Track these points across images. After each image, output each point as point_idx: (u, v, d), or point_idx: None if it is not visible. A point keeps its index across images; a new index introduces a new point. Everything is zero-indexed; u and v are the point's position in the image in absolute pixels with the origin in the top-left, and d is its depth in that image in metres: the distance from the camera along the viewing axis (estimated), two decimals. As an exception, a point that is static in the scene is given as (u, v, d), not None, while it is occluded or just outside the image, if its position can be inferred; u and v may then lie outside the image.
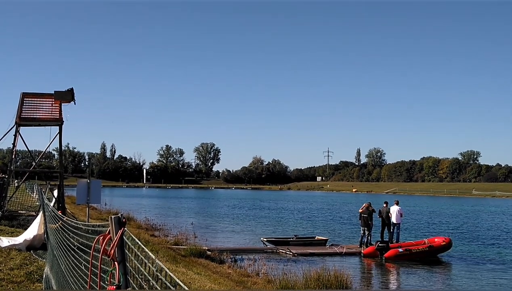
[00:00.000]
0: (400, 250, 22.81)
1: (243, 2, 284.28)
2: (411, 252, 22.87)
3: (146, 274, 3.32)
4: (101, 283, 3.84)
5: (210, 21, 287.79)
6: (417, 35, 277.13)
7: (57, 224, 7.83)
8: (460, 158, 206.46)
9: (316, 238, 27.96)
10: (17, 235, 16.18)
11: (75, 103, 23.15)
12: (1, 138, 23.48)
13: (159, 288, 3.12)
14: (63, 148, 25.00)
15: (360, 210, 25.59)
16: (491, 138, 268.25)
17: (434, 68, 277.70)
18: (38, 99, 23.52)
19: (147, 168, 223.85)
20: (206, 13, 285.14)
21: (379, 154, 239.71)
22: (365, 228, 24.99)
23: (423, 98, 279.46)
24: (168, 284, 3.05)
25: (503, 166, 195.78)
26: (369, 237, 25.03)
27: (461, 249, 26.72)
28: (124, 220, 3.61)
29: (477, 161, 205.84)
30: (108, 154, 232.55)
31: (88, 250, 4.46)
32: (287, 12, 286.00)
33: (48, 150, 26.71)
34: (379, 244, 23.20)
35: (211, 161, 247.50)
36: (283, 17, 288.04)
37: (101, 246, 3.68)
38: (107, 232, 3.70)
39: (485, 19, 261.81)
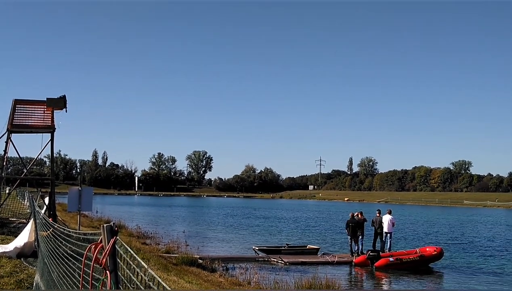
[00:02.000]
0: (391, 259, 22.85)
1: (234, 11, 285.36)
2: (402, 261, 22.90)
3: (138, 283, 3.33)
4: (92, 291, 3.85)
5: (201, 30, 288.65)
6: (407, 46, 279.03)
7: (48, 232, 7.81)
8: (451, 168, 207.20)
9: (307, 247, 27.96)
10: (8, 242, 16.09)
11: (66, 111, 23.13)
12: (-8, 145, 23.39)
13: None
14: (54, 155, 24.92)
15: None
16: (482, 148, 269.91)
17: (426, 78, 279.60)
18: (30, 106, 23.48)
19: (139, 176, 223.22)
20: (197, 21, 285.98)
21: (371, 163, 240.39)
22: (353, 237, 25.11)
23: (415, 107, 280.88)
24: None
25: (494, 175, 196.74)
26: (361, 246, 25.09)
27: (453, 259, 26.76)
28: (116, 228, 3.63)
29: (469, 170, 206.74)
30: (100, 161, 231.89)
31: (80, 258, 4.47)
32: (279, 22, 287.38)
33: (39, 156, 26.59)
34: (370, 253, 23.24)
35: (203, 169, 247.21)
36: (275, 27, 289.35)
37: (93, 254, 3.69)
38: (99, 240, 3.71)
39: (479, 29, 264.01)
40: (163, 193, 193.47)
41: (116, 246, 3.58)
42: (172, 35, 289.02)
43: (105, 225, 3.64)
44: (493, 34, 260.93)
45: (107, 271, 3.55)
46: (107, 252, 3.53)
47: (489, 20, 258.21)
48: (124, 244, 3.63)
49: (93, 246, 3.76)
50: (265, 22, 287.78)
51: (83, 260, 4.12)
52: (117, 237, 3.59)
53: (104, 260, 3.54)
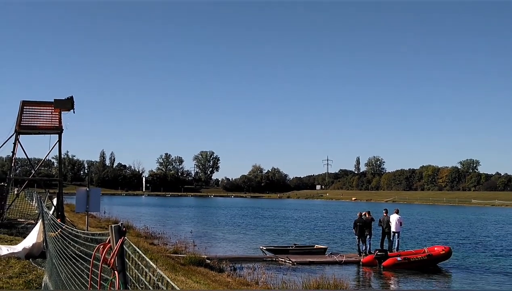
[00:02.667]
0: (398, 258, 22.78)
1: (242, 12, 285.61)
2: (410, 261, 22.82)
3: (146, 283, 3.33)
4: (101, 292, 3.85)
5: (208, 32, 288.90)
6: (415, 45, 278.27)
7: (56, 232, 7.83)
8: (459, 167, 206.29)
9: (315, 247, 27.92)
10: (16, 243, 16.16)
11: (74, 112, 23.22)
12: (0, 146, 23.51)
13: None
14: (62, 156, 25.01)
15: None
16: (490, 147, 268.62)
17: (433, 77, 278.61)
18: (38, 108, 23.58)
19: (146, 176, 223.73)
20: (203, 22, 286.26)
21: (378, 162, 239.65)
22: (361, 237, 25.06)
23: (422, 107, 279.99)
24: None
25: (502, 174, 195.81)
26: (369, 246, 25.02)
27: (462, 258, 26.61)
28: (124, 229, 3.62)
29: (477, 169, 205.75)
30: (107, 162, 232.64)
31: (88, 259, 4.47)
32: (286, 22, 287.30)
33: (47, 158, 26.74)
34: (378, 253, 23.18)
35: (211, 169, 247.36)
36: (283, 27, 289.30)
37: (101, 255, 3.69)
38: (107, 240, 3.71)
39: (485, 29, 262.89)
40: (170, 193, 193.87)
41: (124, 246, 3.58)
42: (179, 37, 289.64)
43: (113, 225, 3.64)
44: (499, 33, 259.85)
45: (115, 271, 3.55)
46: (115, 252, 3.53)
47: (495, 19, 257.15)
48: (132, 244, 3.64)
49: (101, 246, 3.76)
50: (272, 22, 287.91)
51: (91, 260, 4.12)
52: (125, 237, 3.59)
53: (112, 260, 3.55)
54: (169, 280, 3.03)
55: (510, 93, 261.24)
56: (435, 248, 24.78)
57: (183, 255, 21.75)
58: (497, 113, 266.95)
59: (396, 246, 25.40)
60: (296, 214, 72.00)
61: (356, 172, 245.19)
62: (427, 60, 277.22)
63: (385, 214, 26.02)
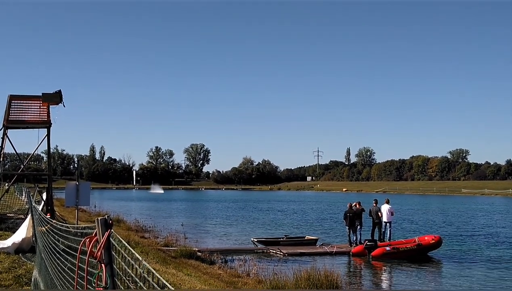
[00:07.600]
0: (387, 248, 22.89)
1: (230, 7, 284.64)
2: (399, 251, 22.93)
3: (133, 275, 3.32)
4: (88, 285, 3.83)
5: (196, 25, 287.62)
6: (406, 37, 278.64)
7: (45, 227, 7.80)
8: (449, 156, 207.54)
9: (306, 238, 28.00)
10: (6, 238, 16.09)
11: (64, 106, 23.04)
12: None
13: (146, 290, 3.12)
14: (51, 150, 24.86)
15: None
16: (480, 137, 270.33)
17: (422, 69, 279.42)
18: (26, 102, 23.37)
19: (137, 170, 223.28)
20: (192, 16, 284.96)
21: (368, 153, 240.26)
22: (351, 228, 25.17)
23: (411, 97, 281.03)
24: (156, 285, 3.04)
25: (491, 163, 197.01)
26: (359, 236, 25.12)
27: (452, 247, 26.78)
28: (110, 221, 3.60)
29: (466, 159, 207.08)
30: (97, 156, 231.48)
31: (76, 253, 4.45)
32: (275, 17, 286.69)
33: (36, 152, 26.53)
34: (368, 243, 23.30)
35: (201, 161, 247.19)
36: (271, 22, 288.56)
37: (88, 248, 3.67)
38: (94, 234, 3.69)
39: (476, 23, 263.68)
40: (161, 186, 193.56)
41: (111, 239, 3.56)
42: (168, 30, 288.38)
43: (99, 218, 3.62)
44: (487, 24, 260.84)
45: (102, 264, 3.53)
46: (102, 245, 3.51)
47: (482, 12, 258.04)
48: (119, 237, 3.61)
49: (88, 239, 3.74)
50: (261, 17, 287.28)
51: (78, 254, 4.10)
52: (112, 230, 3.56)
53: (99, 253, 3.53)
54: (154, 272, 3.02)
55: (499, 83, 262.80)
56: (426, 238, 24.91)
57: (174, 248, 21.75)
58: (486, 103, 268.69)
59: (388, 236, 25.51)
60: (287, 206, 72.14)
61: (347, 163, 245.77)
62: (416, 52, 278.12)
63: (374, 205, 26.10)
